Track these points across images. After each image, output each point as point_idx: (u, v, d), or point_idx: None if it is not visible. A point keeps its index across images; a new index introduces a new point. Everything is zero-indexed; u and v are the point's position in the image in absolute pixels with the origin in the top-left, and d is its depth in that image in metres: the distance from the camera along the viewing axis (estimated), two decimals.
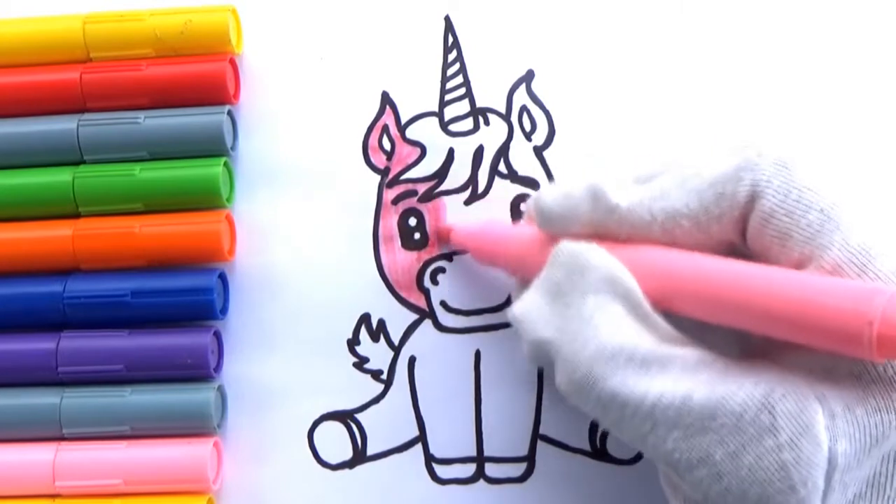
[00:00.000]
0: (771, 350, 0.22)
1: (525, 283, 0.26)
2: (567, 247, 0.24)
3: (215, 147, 0.30)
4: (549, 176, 0.30)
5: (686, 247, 0.23)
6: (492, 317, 0.30)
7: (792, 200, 0.21)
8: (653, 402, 0.21)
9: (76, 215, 0.30)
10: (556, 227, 0.24)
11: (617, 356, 0.22)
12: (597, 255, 0.23)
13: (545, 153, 0.30)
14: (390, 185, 0.30)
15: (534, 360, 0.25)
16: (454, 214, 0.30)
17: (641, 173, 0.24)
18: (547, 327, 0.23)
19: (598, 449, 0.29)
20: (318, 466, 0.30)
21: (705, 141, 0.30)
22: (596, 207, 0.23)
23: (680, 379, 0.21)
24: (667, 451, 0.21)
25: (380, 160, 0.31)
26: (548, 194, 0.25)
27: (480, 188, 0.30)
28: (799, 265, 0.21)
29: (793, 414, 0.20)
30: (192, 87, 0.30)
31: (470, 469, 0.30)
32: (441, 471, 0.30)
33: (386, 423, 0.30)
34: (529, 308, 0.24)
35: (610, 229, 0.23)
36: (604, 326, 0.22)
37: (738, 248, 0.23)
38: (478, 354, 0.30)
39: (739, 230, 0.22)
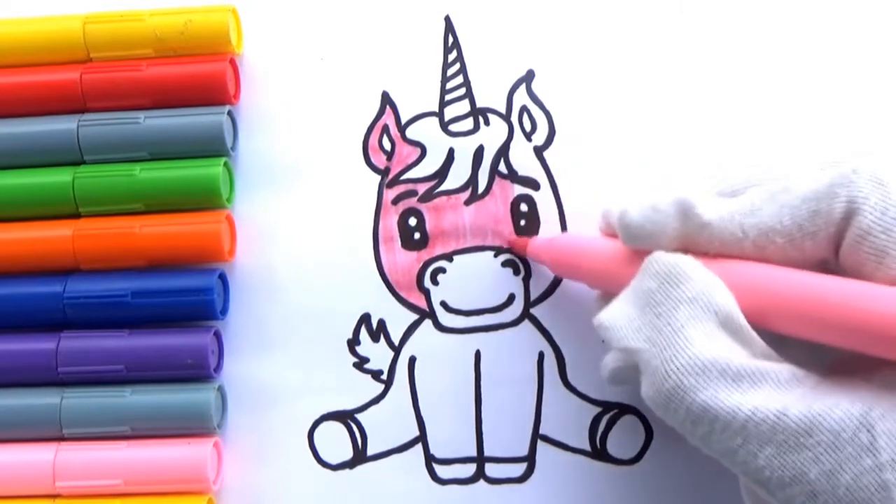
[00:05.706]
0: (861, 367, 0.21)
1: (608, 295, 0.25)
2: (661, 257, 0.23)
3: (215, 147, 0.30)
4: (549, 176, 0.30)
5: (777, 263, 0.22)
6: (492, 317, 0.30)
7: (890, 218, 0.21)
8: (746, 416, 0.21)
9: (76, 215, 0.30)
10: (642, 243, 0.24)
11: (709, 369, 0.21)
12: (693, 267, 0.22)
13: (545, 153, 0.30)
14: (390, 185, 0.30)
15: (615, 379, 0.24)
16: (454, 214, 0.30)
17: (724, 188, 0.24)
18: (636, 336, 0.23)
19: (598, 449, 0.29)
20: (318, 466, 0.30)
21: (705, 140, 0.30)
22: (686, 223, 0.23)
23: (774, 394, 0.21)
24: (758, 468, 0.21)
25: (380, 160, 0.31)
26: (633, 209, 0.24)
27: (480, 188, 0.30)
28: (895, 283, 0.21)
29: (893, 434, 0.20)
30: (192, 87, 0.30)
31: (470, 469, 0.30)
32: (441, 471, 0.30)
33: (386, 423, 0.30)
34: (617, 316, 0.23)
35: (699, 244, 0.23)
36: (696, 338, 0.22)
37: (830, 265, 0.22)
38: (478, 354, 0.30)
39: (833, 247, 0.22)
